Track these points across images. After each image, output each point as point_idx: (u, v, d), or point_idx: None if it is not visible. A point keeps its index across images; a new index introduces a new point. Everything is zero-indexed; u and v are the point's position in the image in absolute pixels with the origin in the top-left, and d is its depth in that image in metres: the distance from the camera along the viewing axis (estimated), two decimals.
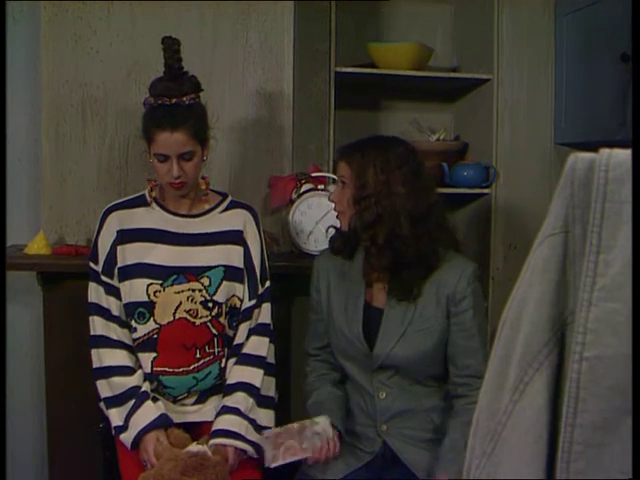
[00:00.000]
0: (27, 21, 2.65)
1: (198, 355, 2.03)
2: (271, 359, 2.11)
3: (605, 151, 0.74)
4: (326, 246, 2.19)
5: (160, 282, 2.01)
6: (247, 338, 2.08)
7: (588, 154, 0.75)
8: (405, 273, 1.97)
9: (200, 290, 2.03)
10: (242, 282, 2.08)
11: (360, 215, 1.96)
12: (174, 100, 1.94)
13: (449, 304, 1.98)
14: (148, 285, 2.00)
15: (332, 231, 2.23)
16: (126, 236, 2.04)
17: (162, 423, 1.95)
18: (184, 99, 1.95)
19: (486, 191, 2.94)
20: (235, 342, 2.09)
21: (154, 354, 2.02)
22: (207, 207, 2.11)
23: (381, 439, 2.01)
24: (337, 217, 2.07)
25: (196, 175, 2.02)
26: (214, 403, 2.08)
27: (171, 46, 1.96)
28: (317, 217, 2.53)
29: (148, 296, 2.00)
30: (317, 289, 2.12)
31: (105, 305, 2.02)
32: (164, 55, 1.96)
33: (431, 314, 1.99)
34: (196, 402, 2.08)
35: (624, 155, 0.73)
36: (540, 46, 2.93)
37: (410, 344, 1.98)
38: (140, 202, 2.09)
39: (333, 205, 2.07)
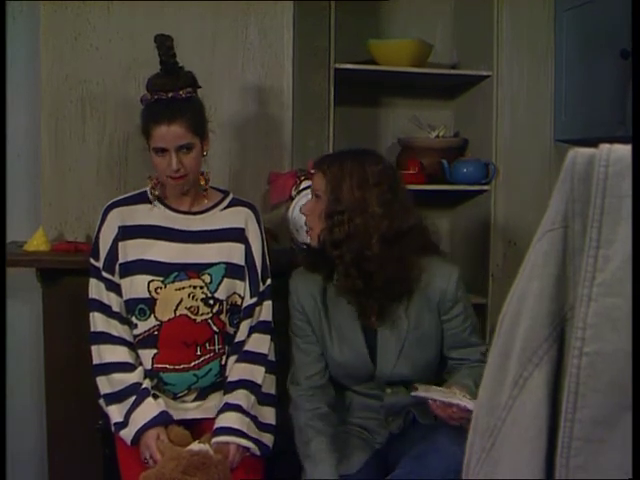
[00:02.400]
0: (27, 19, 2.65)
1: (199, 352, 2.03)
2: (272, 357, 2.11)
3: (605, 146, 0.74)
4: None
5: (161, 279, 2.01)
6: (248, 336, 2.09)
7: (588, 149, 0.75)
8: (375, 296, 1.92)
9: (201, 287, 2.03)
10: (243, 280, 2.09)
11: (330, 231, 1.90)
12: (170, 94, 1.95)
13: (440, 310, 1.99)
14: (149, 282, 2.00)
15: (301, 247, 2.17)
16: (127, 232, 2.04)
17: (163, 420, 1.96)
18: (181, 93, 1.96)
19: (486, 188, 2.94)
20: (236, 340, 2.09)
21: (155, 351, 2.02)
22: (208, 204, 2.11)
23: (387, 430, 2.05)
24: (307, 232, 2.02)
25: (196, 169, 2.02)
26: (214, 400, 2.08)
27: (164, 42, 1.96)
28: None
29: (149, 293, 2.00)
30: (300, 311, 2.05)
31: (106, 301, 2.02)
32: (158, 52, 1.97)
33: (426, 325, 1.99)
34: (196, 399, 2.09)
35: (624, 150, 0.73)
36: (540, 42, 2.93)
37: (410, 359, 1.99)
38: (141, 199, 2.09)
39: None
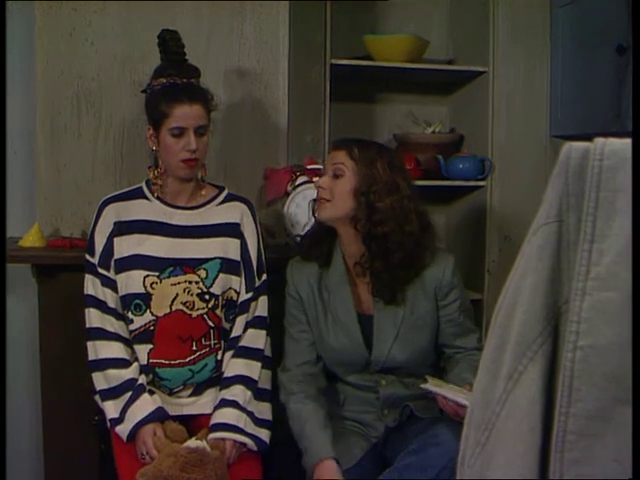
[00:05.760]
0: (22, 16, 2.64)
1: (194, 347, 2.03)
2: (268, 352, 2.11)
3: (600, 140, 0.73)
4: None
5: (157, 274, 2.01)
6: (244, 331, 2.09)
7: (582, 143, 0.75)
8: (395, 274, 1.95)
9: (197, 282, 2.02)
10: (239, 275, 2.08)
11: (370, 207, 1.91)
12: (185, 80, 2.00)
13: (437, 297, 2.02)
14: (145, 277, 2.00)
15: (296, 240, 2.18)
16: (123, 228, 2.03)
17: (159, 416, 1.96)
18: (192, 81, 2.02)
19: (482, 184, 2.94)
20: (232, 335, 2.09)
21: (150, 346, 2.02)
22: (204, 200, 2.11)
23: (383, 423, 2.05)
24: (319, 205, 2.00)
25: (205, 156, 2.04)
26: (210, 396, 2.08)
27: (173, 36, 2.02)
28: None
29: (145, 288, 2.00)
30: (296, 298, 2.08)
31: (101, 297, 2.02)
32: (167, 46, 2.01)
33: (422, 310, 2.01)
34: (192, 394, 2.08)
35: (619, 144, 0.73)
36: (536, 38, 2.92)
37: (406, 344, 2.00)
38: (137, 194, 2.09)
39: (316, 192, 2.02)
